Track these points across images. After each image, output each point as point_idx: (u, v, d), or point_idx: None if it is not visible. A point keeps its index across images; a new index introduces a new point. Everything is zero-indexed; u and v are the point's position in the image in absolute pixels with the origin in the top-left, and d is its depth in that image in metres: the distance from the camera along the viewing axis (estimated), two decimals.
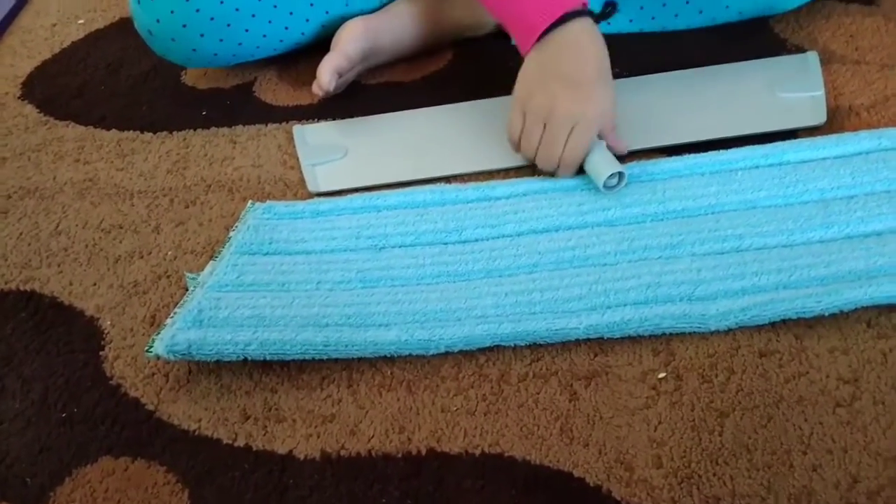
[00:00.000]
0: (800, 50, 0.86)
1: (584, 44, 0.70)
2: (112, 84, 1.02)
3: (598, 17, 0.73)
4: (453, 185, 0.77)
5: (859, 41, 0.87)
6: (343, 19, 0.91)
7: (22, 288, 0.76)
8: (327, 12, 0.91)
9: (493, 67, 0.91)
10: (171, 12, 0.86)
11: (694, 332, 0.62)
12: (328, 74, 0.86)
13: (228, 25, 0.88)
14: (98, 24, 1.15)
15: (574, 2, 0.69)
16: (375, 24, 0.90)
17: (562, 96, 0.70)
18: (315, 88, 0.88)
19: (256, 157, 0.86)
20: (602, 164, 0.71)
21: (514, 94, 0.74)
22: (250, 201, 0.79)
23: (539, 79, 0.71)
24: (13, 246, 0.81)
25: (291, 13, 0.90)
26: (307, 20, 0.92)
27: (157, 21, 0.87)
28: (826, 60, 0.84)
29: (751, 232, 0.66)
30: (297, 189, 0.82)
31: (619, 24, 0.90)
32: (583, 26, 0.70)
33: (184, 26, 0.87)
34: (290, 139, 0.87)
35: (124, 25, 1.13)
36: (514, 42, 0.76)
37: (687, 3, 0.87)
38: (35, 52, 1.11)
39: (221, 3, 0.86)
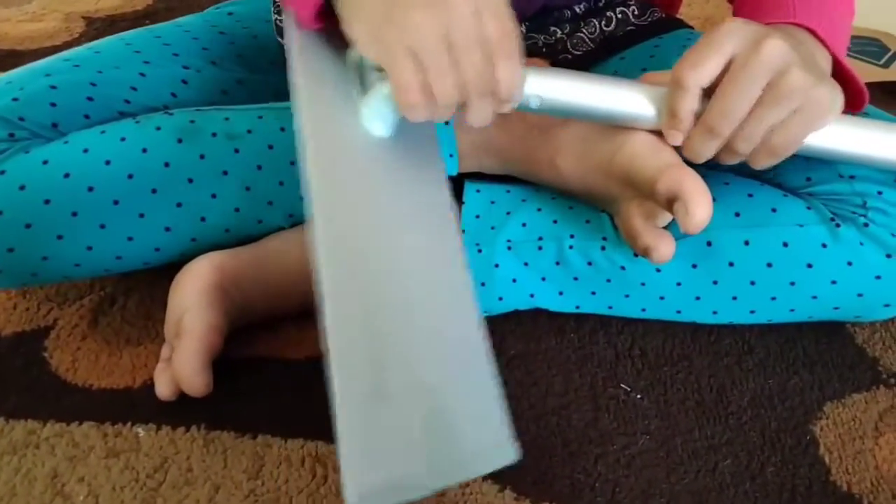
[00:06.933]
0: None
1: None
2: None
3: None
4: None
5: None
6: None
7: None
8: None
9: None
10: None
11: None
12: (204, 372, 0.53)
13: (102, 227, 0.57)
14: None
15: None
16: (229, 264, 0.58)
17: None
18: (163, 392, 0.54)
19: (10, 493, 0.48)
20: None
21: None
22: None
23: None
24: None
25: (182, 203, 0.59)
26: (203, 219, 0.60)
27: None
28: None
29: None
30: None
31: (658, 313, 0.60)
32: None
33: (27, 227, 0.55)
34: (73, 467, 0.50)
35: None
36: None
37: (734, 299, 0.57)
38: None
39: (90, 189, 0.56)
